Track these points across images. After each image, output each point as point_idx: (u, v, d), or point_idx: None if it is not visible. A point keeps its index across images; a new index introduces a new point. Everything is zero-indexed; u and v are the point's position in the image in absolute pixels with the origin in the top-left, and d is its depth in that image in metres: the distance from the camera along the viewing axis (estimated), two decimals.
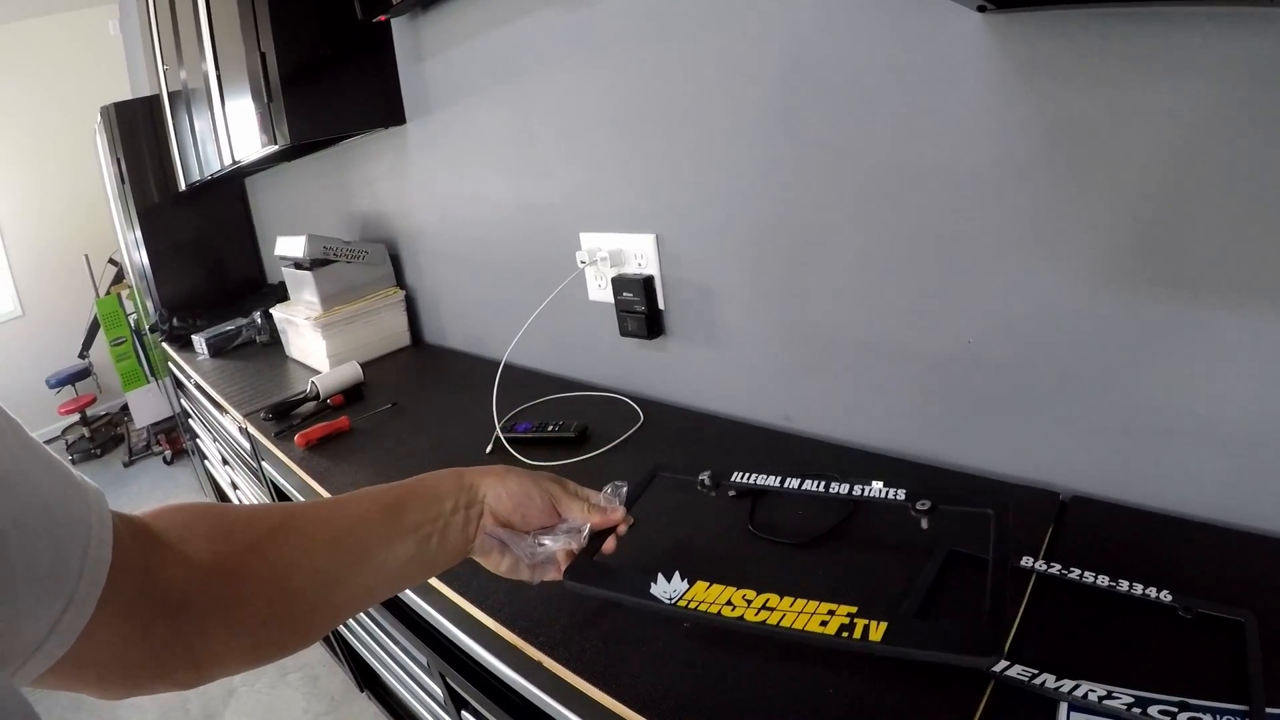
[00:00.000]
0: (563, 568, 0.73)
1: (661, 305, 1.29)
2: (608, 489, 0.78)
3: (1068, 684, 0.61)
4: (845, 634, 0.58)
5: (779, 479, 0.82)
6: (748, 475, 0.82)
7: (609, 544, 0.74)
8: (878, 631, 0.57)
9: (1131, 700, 0.59)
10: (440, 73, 1.61)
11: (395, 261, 2.01)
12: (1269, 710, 0.57)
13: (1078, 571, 0.75)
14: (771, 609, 0.62)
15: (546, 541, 0.72)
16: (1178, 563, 0.76)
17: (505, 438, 1.26)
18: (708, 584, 0.66)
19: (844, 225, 1.03)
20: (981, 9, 0.82)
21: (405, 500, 0.66)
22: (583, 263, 1.33)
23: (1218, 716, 0.57)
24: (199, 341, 2.30)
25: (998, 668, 0.63)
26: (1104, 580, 0.73)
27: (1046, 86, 0.82)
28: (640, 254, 1.28)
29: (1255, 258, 0.73)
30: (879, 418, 1.10)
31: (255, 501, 1.91)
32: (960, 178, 0.91)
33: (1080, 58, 0.79)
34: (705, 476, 0.84)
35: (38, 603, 0.39)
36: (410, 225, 1.92)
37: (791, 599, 0.63)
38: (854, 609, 0.60)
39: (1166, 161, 0.77)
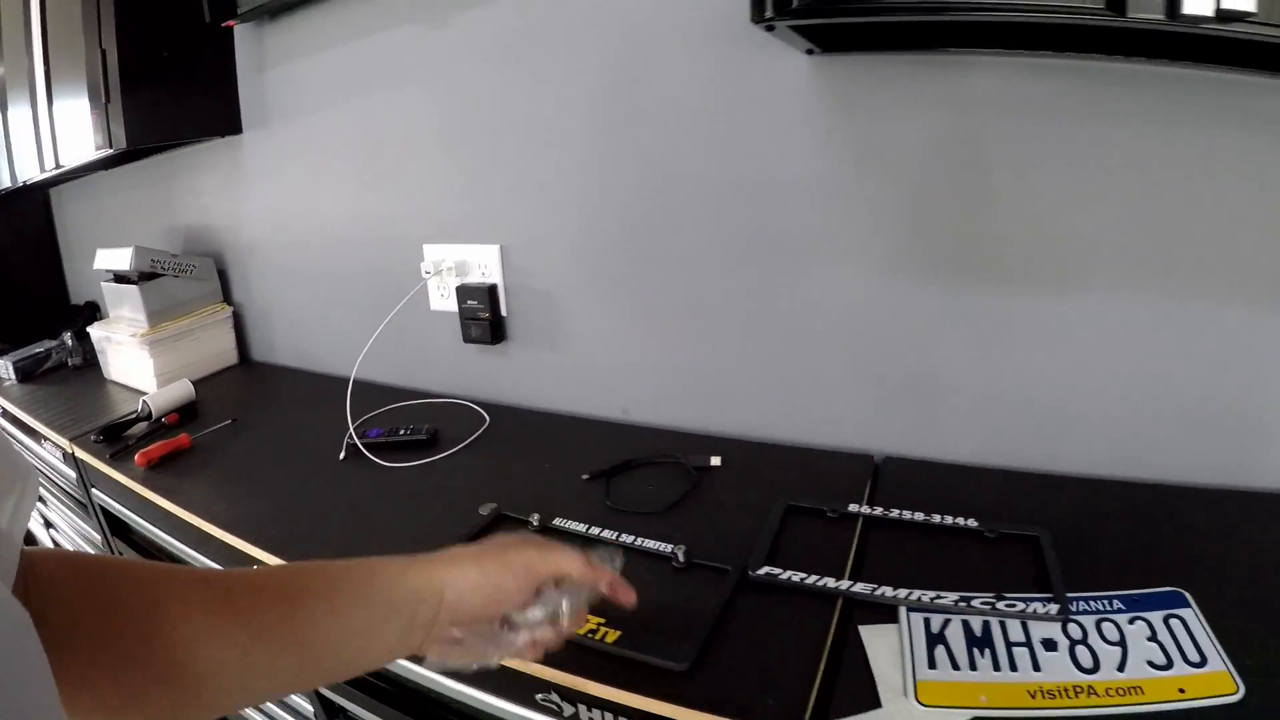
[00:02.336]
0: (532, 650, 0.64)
1: (504, 311, 1.38)
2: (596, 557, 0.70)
3: (903, 592, 0.78)
4: (592, 635, 0.76)
5: (585, 526, 0.99)
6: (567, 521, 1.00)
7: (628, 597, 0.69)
8: (612, 638, 0.76)
9: (957, 597, 0.76)
10: (282, 84, 1.62)
11: (222, 277, 1.97)
12: (1068, 594, 0.76)
13: (896, 511, 0.93)
14: None
15: (519, 622, 0.63)
16: (979, 499, 0.95)
17: (360, 443, 1.29)
18: None
19: (681, 233, 1.18)
20: (810, 52, 0.98)
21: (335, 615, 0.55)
22: (427, 273, 1.40)
23: (1028, 603, 0.75)
24: (4, 365, 2.13)
25: (843, 586, 0.80)
26: (919, 515, 0.91)
27: (860, 117, 1.01)
28: (484, 264, 1.36)
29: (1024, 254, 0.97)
30: (709, 402, 1.24)
31: (71, 543, 1.80)
32: (784, 192, 1.08)
33: (888, 94, 0.98)
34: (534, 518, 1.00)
35: None
36: (240, 240, 1.89)
37: None
38: (602, 619, 0.78)
39: (934, 174, 0.99)
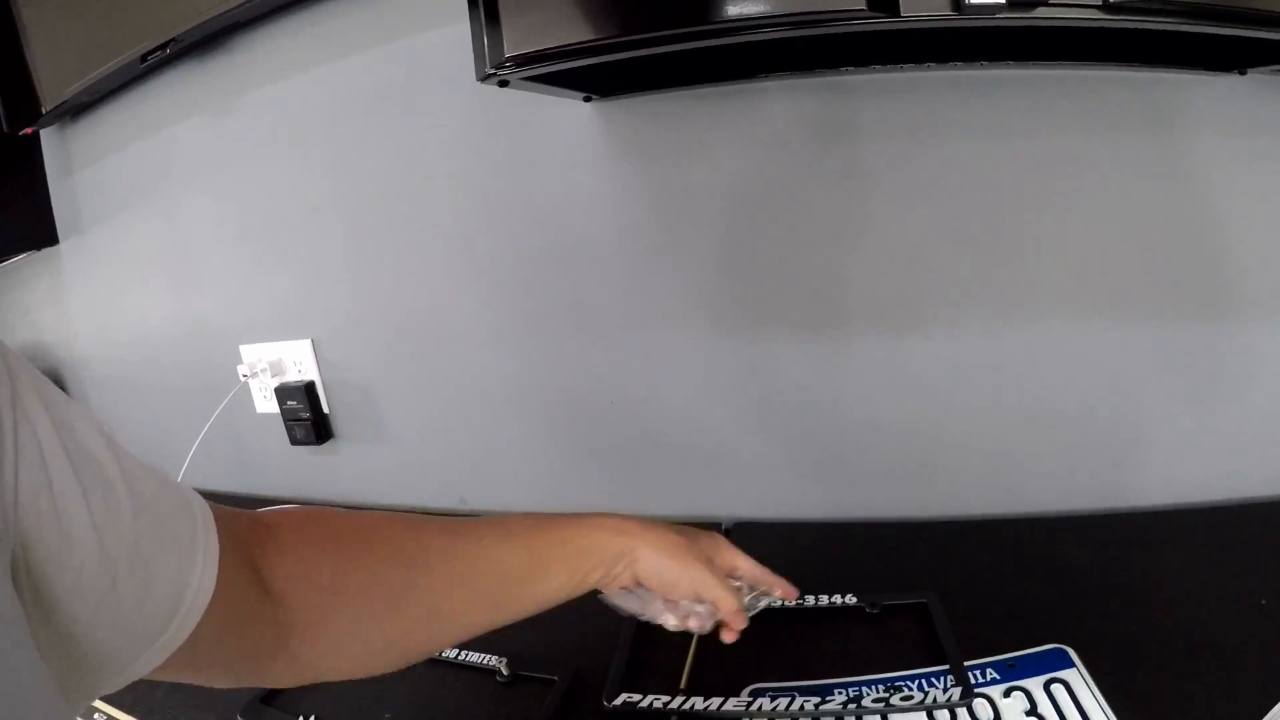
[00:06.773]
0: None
1: (326, 409, 1.28)
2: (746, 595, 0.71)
3: (783, 702, 0.69)
4: None
5: None
6: None
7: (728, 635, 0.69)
8: None
9: (844, 699, 0.68)
10: (92, 187, 1.52)
11: None
12: (966, 664, 0.70)
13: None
14: None
15: (670, 615, 0.66)
16: (850, 561, 0.89)
17: None
18: None
19: (490, 308, 1.11)
20: (588, 99, 0.92)
21: (551, 562, 0.60)
22: (245, 376, 1.30)
23: (926, 689, 0.68)
24: None
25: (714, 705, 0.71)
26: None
27: (653, 163, 0.95)
28: (299, 361, 1.27)
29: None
30: (547, 484, 1.16)
31: None
32: (588, 255, 1.02)
33: (680, 134, 0.93)
34: None
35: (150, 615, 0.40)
36: (73, 355, 1.76)
37: None
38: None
39: (743, 215, 0.93)
